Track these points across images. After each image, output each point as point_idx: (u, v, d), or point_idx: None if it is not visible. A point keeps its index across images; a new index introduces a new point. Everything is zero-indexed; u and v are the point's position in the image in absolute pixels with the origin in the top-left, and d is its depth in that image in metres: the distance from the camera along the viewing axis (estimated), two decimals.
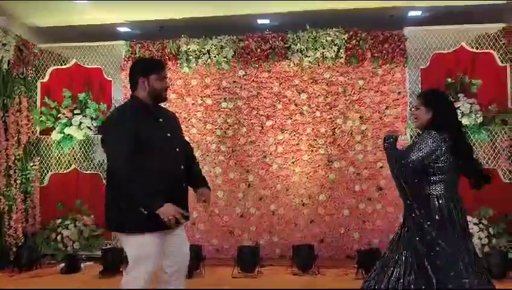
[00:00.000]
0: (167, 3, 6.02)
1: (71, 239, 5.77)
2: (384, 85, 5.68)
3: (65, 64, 6.27)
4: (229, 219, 5.83)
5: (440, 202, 3.17)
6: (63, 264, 5.39)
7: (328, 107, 5.76)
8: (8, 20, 5.98)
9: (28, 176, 5.98)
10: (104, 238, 5.91)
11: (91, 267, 5.50)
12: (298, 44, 5.72)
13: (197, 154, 5.81)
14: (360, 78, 5.72)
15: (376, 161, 5.66)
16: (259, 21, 6.77)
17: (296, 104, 5.80)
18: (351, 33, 5.69)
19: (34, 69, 6.18)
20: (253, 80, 5.86)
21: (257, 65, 5.83)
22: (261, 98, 5.85)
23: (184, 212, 2.84)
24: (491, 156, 5.54)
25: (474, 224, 5.29)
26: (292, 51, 5.75)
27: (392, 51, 5.65)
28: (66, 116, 5.95)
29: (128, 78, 3.09)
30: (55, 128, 5.99)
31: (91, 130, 5.96)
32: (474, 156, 3.38)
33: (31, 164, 6.03)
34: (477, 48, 5.67)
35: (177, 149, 3.01)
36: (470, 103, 5.39)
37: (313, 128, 5.77)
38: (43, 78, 6.23)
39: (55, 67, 6.26)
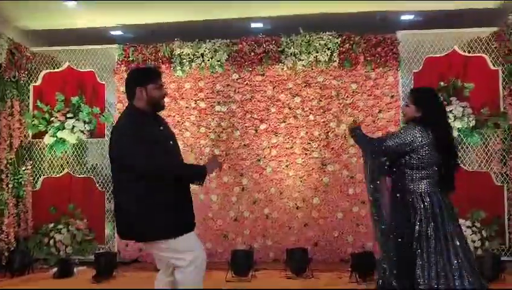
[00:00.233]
0: (160, 7, 6.02)
1: (64, 243, 5.74)
2: (377, 89, 5.70)
3: (58, 67, 6.24)
4: (223, 222, 5.82)
5: (424, 200, 3.20)
6: (55, 269, 5.35)
7: (321, 110, 5.77)
8: (0, 23, 5.95)
9: (20, 180, 5.94)
10: (97, 243, 5.89)
11: (84, 271, 5.46)
12: (292, 48, 5.73)
13: (191, 157, 5.81)
14: (353, 82, 5.74)
15: None
16: (253, 25, 6.78)
17: (289, 108, 5.81)
18: (344, 37, 5.72)
19: (26, 72, 6.14)
20: (246, 84, 5.87)
21: (251, 69, 5.84)
22: (254, 101, 5.85)
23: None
24: (484, 159, 5.57)
25: (467, 227, 5.33)
26: (286, 54, 5.77)
27: (385, 54, 5.68)
28: (59, 120, 5.92)
29: (125, 88, 3.08)
30: (47, 132, 5.96)
31: (84, 133, 5.93)
32: (457, 160, 3.45)
33: (23, 168, 5.99)
34: (469, 52, 5.71)
35: (179, 156, 3.13)
36: (463, 107, 5.43)
37: (307, 132, 5.78)
38: (35, 81, 6.20)
39: (48, 70, 6.22)
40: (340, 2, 5.87)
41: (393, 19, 6.49)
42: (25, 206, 5.98)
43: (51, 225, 5.88)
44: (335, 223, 5.69)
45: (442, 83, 5.59)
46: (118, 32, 7.05)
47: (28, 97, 6.16)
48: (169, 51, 5.90)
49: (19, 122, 5.97)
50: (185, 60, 5.87)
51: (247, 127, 5.85)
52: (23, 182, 5.96)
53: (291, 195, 5.78)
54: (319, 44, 5.69)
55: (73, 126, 5.88)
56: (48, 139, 5.95)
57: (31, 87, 6.18)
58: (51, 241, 5.76)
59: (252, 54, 5.79)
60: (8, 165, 5.79)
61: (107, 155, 5.83)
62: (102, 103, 6.09)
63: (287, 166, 5.79)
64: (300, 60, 5.74)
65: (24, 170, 5.98)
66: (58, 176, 6.10)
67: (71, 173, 6.08)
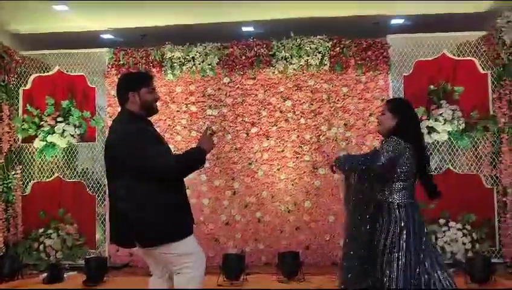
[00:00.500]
0: (151, 11, 6.01)
1: (54, 248, 5.70)
2: (368, 92, 5.73)
3: (48, 71, 6.21)
4: (214, 226, 5.80)
5: (400, 211, 3.24)
6: (45, 274, 5.30)
7: (312, 114, 5.79)
8: None
9: (9, 185, 5.89)
10: (88, 247, 5.85)
11: (74, 276, 5.42)
12: (283, 51, 5.74)
13: None
14: (344, 86, 5.76)
15: None
16: (244, 28, 6.79)
17: (281, 111, 5.82)
18: (334, 41, 5.74)
19: (16, 76, 6.10)
20: (238, 87, 5.87)
21: (242, 72, 5.84)
22: (246, 105, 5.86)
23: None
24: (474, 162, 5.61)
25: (458, 229, 5.36)
26: (277, 58, 5.78)
27: (376, 58, 5.71)
28: (49, 124, 5.88)
29: (116, 93, 3.04)
30: (37, 136, 5.91)
31: (74, 138, 5.90)
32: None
33: (13, 173, 5.94)
34: (458, 56, 5.75)
35: None
36: (452, 110, 5.47)
37: (298, 135, 5.79)
38: (25, 85, 6.15)
39: (38, 74, 6.19)
40: (330, 6, 5.90)
41: (384, 23, 6.53)
42: (15, 211, 5.93)
43: (41, 230, 5.83)
44: (326, 226, 5.70)
45: (432, 87, 5.63)
46: (109, 36, 7.04)
47: (18, 101, 6.11)
48: (160, 55, 5.89)
49: (9, 126, 5.93)
50: (175, 64, 5.86)
51: (239, 130, 5.85)
52: (12, 187, 5.91)
53: (282, 198, 5.78)
54: (310, 48, 5.71)
55: (64, 130, 5.84)
56: (37, 144, 5.91)
57: (20, 91, 6.13)
58: (41, 247, 5.71)
59: (243, 57, 5.79)
60: None
61: (98, 159, 5.82)
62: (92, 106, 6.06)
63: (278, 169, 5.79)
64: (291, 63, 5.75)
65: (14, 175, 5.93)
66: (48, 180, 6.05)
67: (61, 177, 6.04)
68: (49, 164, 6.04)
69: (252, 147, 5.83)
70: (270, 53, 5.78)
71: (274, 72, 5.81)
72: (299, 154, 5.78)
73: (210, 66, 5.83)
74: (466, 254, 5.28)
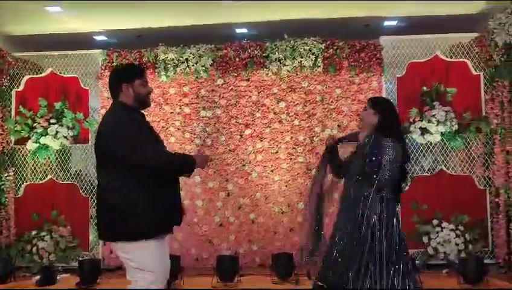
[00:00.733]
0: (145, 12, 6.00)
1: (47, 251, 5.67)
2: (361, 94, 5.74)
3: (41, 73, 6.19)
4: (208, 228, 5.80)
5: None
6: (38, 277, 5.27)
7: (306, 115, 5.80)
8: None
9: (2, 187, 5.85)
10: (81, 250, 5.83)
11: (67, 279, 5.39)
12: (276, 53, 5.75)
13: None
14: (337, 87, 5.77)
15: None
16: (238, 30, 6.79)
17: (274, 113, 5.83)
18: (328, 42, 5.76)
19: (8, 77, 6.07)
20: (231, 89, 5.87)
21: (235, 74, 5.84)
22: (239, 106, 5.86)
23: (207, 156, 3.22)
24: (467, 163, 5.64)
25: (451, 230, 5.38)
26: (270, 59, 5.78)
27: (369, 60, 5.73)
28: (42, 126, 5.85)
29: (109, 86, 2.97)
30: (30, 138, 5.88)
31: (67, 139, 5.88)
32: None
33: (6, 175, 5.90)
34: (451, 57, 5.78)
35: None
36: (445, 111, 5.49)
37: (292, 137, 5.79)
38: (18, 87, 6.13)
39: (31, 76, 6.17)
40: (324, 7, 5.91)
41: (377, 25, 6.55)
42: (7, 213, 5.89)
43: (34, 232, 5.80)
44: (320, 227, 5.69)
45: (425, 88, 5.66)
46: (102, 38, 7.01)
47: (10, 103, 6.08)
48: (153, 56, 5.89)
49: (1, 128, 5.91)
50: (169, 65, 5.85)
51: (232, 132, 5.85)
52: (5, 189, 5.88)
53: (276, 200, 5.78)
54: (304, 49, 5.72)
55: (57, 132, 5.82)
56: (30, 145, 5.88)
57: (13, 93, 6.11)
58: (34, 249, 5.68)
59: (237, 59, 5.80)
60: None
61: (91, 161, 5.78)
62: (86, 108, 6.04)
63: (272, 171, 5.79)
64: (285, 65, 5.76)
65: (6, 177, 5.90)
66: (41, 182, 6.02)
67: (54, 179, 6.02)
68: (42, 165, 6.01)
69: (245, 149, 5.83)
70: (263, 55, 5.79)
71: (268, 74, 5.82)
72: (293, 155, 5.78)
73: (204, 68, 5.83)
74: (459, 254, 5.30)
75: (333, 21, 6.31)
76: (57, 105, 5.95)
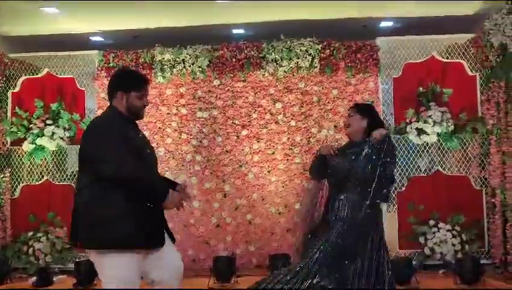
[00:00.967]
0: (141, 13, 6.00)
1: (43, 252, 5.65)
2: (358, 94, 5.75)
3: (37, 73, 6.17)
4: (205, 229, 5.79)
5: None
6: (35, 278, 5.26)
7: (303, 116, 5.80)
8: None
9: None
10: (77, 251, 5.80)
11: (64, 280, 5.39)
12: (273, 54, 5.75)
13: (172, 164, 5.79)
14: (334, 88, 5.78)
15: None
16: (234, 31, 6.80)
17: (271, 114, 5.83)
18: (324, 43, 5.76)
19: (4, 78, 6.06)
20: (228, 90, 5.87)
21: (232, 75, 5.84)
22: (236, 107, 5.86)
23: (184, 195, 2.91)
24: (463, 164, 5.65)
25: (447, 231, 5.39)
26: (267, 60, 5.78)
27: (365, 60, 5.73)
28: (38, 127, 5.83)
29: (107, 87, 2.94)
30: (26, 139, 5.87)
31: (64, 140, 5.86)
32: None
33: (2, 176, 5.89)
34: (447, 58, 5.79)
35: (155, 167, 2.96)
36: (442, 112, 5.50)
37: (289, 138, 5.79)
38: (14, 88, 6.11)
39: (27, 76, 6.15)
40: (320, 8, 5.92)
41: (373, 26, 6.56)
42: (3, 215, 5.88)
43: (30, 234, 5.79)
44: None
45: (421, 89, 5.67)
46: (98, 38, 7.01)
47: (7, 104, 6.07)
48: (150, 57, 5.88)
49: None
50: (166, 66, 5.85)
51: (229, 133, 5.85)
52: (1, 190, 5.87)
53: (273, 201, 5.78)
54: (300, 50, 5.72)
55: (53, 133, 5.80)
56: (26, 146, 5.86)
57: (9, 94, 6.09)
58: (30, 250, 5.67)
59: (234, 60, 5.80)
60: None
61: None
62: (82, 109, 6.03)
63: (269, 172, 5.79)
64: (282, 66, 5.76)
65: (2, 178, 5.89)
66: (37, 183, 6.01)
67: (51, 180, 6.00)
68: (39, 167, 6.00)
69: (242, 150, 5.83)
70: (260, 55, 5.79)
71: (264, 75, 5.82)
72: (290, 156, 5.78)
73: (200, 69, 5.83)
74: (455, 255, 5.31)
75: (330, 22, 6.32)
76: (53, 106, 5.94)
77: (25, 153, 5.93)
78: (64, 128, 5.86)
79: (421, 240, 5.43)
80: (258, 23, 6.45)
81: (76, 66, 6.11)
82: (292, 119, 5.80)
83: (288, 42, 5.75)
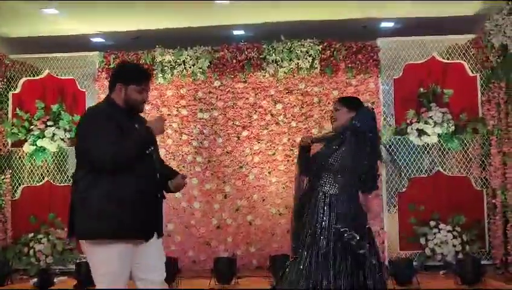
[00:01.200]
0: (142, 14, 6.00)
1: (44, 253, 5.66)
2: (358, 95, 5.71)
3: (38, 75, 6.18)
4: (206, 230, 5.79)
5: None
6: (36, 279, 5.26)
7: (303, 117, 5.80)
8: None
9: None
10: (78, 252, 5.79)
11: (65, 281, 5.39)
12: (273, 55, 5.76)
13: (173, 165, 5.77)
14: (334, 89, 5.78)
15: None
16: (235, 32, 6.79)
17: (272, 115, 5.83)
18: (325, 44, 5.76)
19: (5, 80, 6.07)
20: (228, 91, 5.87)
21: (233, 76, 5.84)
22: (236, 108, 5.86)
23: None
24: (463, 164, 5.65)
25: (448, 231, 5.39)
26: (267, 61, 5.78)
27: (366, 61, 5.73)
28: (39, 128, 5.84)
29: (108, 82, 2.93)
30: (27, 141, 5.88)
31: (64, 142, 5.87)
32: None
33: (3, 177, 5.89)
34: (448, 59, 5.79)
35: (153, 156, 2.87)
36: (442, 112, 5.50)
37: (289, 138, 5.79)
38: (14, 89, 6.12)
39: (28, 78, 6.16)
40: (321, 9, 5.91)
41: (374, 26, 6.56)
42: (4, 216, 5.88)
43: (31, 235, 5.80)
44: None
45: (422, 89, 5.67)
46: (99, 40, 7.00)
47: (7, 105, 6.08)
48: (150, 58, 5.88)
49: None
50: (166, 67, 5.85)
51: (230, 134, 5.85)
52: (2, 192, 5.87)
53: (274, 201, 5.78)
54: (301, 51, 5.72)
55: (54, 134, 5.81)
56: (27, 148, 5.87)
57: (10, 95, 6.10)
58: (31, 251, 5.67)
59: (234, 61, 5.80)
60: None
61: None
62: (83, 110, 6.01)
63: (269, 173, 5.79)
64: (282, 67, 5.76)
65: (3, 179, 5.89)
66: (38, 184, 6.01)
67: (51, 181, 6.01)
68: (39, 168, 6.01)
69: (243, 151, 5.83)
70: (260, 56, 5.79)
71: (265, 76, 5.82)
72: (290, 157, 5.78)
73: (201, 70, 5.83)
74: (456, 255, 5.31)
75: (330, 23, 6.31)
76: (54, 107, 5.95)
77: (26, 154, 5.94)
78: (65, 130, 5.87)
79: (422, 241, 5.43)
80: (258, 24, 6.44)
81: (77, 68, 6.12)
82: (293, 120, 5.80)
83: (289, 43, 5.76)
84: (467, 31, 5.82)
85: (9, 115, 6.06)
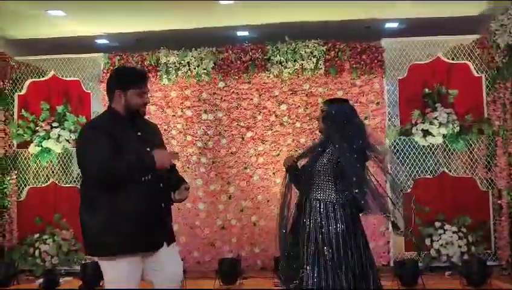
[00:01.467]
0: (146, 15, 6.02)
1: (49, 254, 5.68)
2: (363, 96, 5.74)
3: (43, 76, 6.20)
4: (210, 231, 5.79)
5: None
6: (41, 280, 5.28)
7: (308, 118, 5.79)
8: None
9: (4, 191, 5.87)
10: (83, 253, 5.82)
11: (70, 282, 5.41)
12: (277, 55, 5.75)
13: (178, 166, 5.77)
14: (339, 89, 5.77)
15: None
16: (239, 33, 6.80)
17: (276, 115, 5.83)
18: (329, 45, 5.75)
19: (11, 81, 6.10)
20: (233, 92, 5.87)
21: (237, 77, 5.85)
22: (241, 109, 5.86)
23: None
24: (469, 165, 5.62)
25: (453, 232, 5.37)
26: (272, 62, 5.78)
27: (370, 62, 5.72)
28: (44, 129, 5.87)
29: (106, 85, 2.87)
30: (32, 142, 5.90)
31: (69, 143, 5.89)
32: None
33: (8, 178, 5.92)
34: (453, 59, 5.77)
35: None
36: (447, 113, 5.48)
37: (293, 139, 5.79)
38: (20, 90, 6.15)
39: (33, 79, 6.18)
40: (325, 10, 5.91)
41: (378, 27, 6.55)
42: (10, 217, 5.91)
43: (36, 236, 5.82)
44: None
45: (426, 90, 5.65)
46: (104, 41, 7.03)
47: (13, 106, 6.11)
48: (155, 60, 5.90)
49: (4, 131, 5.93)
50: (171, 69, 5.86)
51: (234, 135, 5.85)
52: (7, 193, 5.90)
53: (278, 202, 5.74)
54: (305, 52, 5.72)
55: (59, 135, 5.84)
56: (33, 149, 5.90)
57: (15, 97, 6.13)
58: (37, 252, 5.70)
59: (238, 62, 5.80)
60: None
61: None
62: (88, 111, 6.05)
63: (274, 173, 5.79)
64: (286, 67, 5.76)
65: (9, 180, 5.92)
66: (43, 185, 6.03)
67: (57, 182, 6.03)
68: (45, 169, 6.03)
69: (247, 151, 5.83)
70: (265, 57, 5.79)
71: (269, 76, 5.82)
72: None
73: (205, 71, 5.84)
74: (462, 256, 5.29)
75: (334, 23, 6.31)
76: (59, 108, 5.97)
77: (31, 155, 5.96)
78: (70, 131, 5.89)
79: (427, 241, 5.41)
80: (263, 25, 6.44)
81: (82, 69, 6.14)
82: (297, 120, 5.80)
83: (293, 44, 5.75)
84: (472, 31, 5.79)
85: (15, 116, 6.08)
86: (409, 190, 5.63)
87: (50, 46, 6.55)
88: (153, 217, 2.72)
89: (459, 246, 5.32)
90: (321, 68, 5.75)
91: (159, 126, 5.87)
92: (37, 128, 5.92)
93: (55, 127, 5.86)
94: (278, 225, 3.44)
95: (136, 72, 2.94)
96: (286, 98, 5.82)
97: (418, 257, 5.36)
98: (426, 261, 5.40)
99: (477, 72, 5.69)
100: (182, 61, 5.85)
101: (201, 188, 5.81)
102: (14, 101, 6.12)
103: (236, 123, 5.86)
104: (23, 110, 6.02)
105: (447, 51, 5.81)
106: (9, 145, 6.00)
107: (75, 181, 6.04)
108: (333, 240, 3.09)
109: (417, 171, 5.66)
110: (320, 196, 3.20)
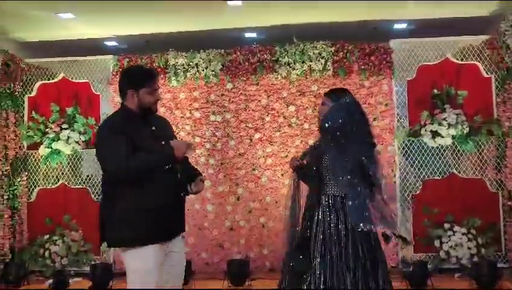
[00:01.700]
0: (155, 18, 6.05)
1: (59, 255, 5.71)
2: (372, 97, 5.72)
3: (53, 78, 6.24)
4: (219, 232, 5.80)
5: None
6: (51, 281, 5.33)
7: (316, 119, 5.76)
8: None
9: (15, 192, 5.92)
10: (93, 254, 5.86)
11: (80, 283, 5.44)
12: (285, 57, 5.75)
13: None
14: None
15: None
16: (247, 34, 6.82)
17: (284, 117, 5.82)
18: (337, 46, 5.74)
19: (21, 83, 6.15)
20: (241, 93, 5.88)
21: (245, 78, 5.85)
22: (249, 110, 5.87)
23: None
24: (478, 166, 5.58)
25: (463, 234, 5.33)
26: (280, 63, 5.78)
27: (379, 63, 5.69)
28: (54, 131, 5.91)
29: (118, 91, 2.99)
30: (42, 143, 5.95)
31: (79, 144, 5.93)
32: None
33: (19, 179, 5.97)
34: (462, 60, 5.74)
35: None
36: (456, 114, 5.45)
37: (302, 141, 5.78)
38: (30, 92, 6.20)
39: (43, 81, 6.23)
40: (333, 11, 5.91)
41: (387, 28, 6.53)
42: (20, 218, 5.96)
43: (46, 237, 5.85)
44: None
45: (435, 91, 5.62)
46: (113, 43, 7.08)
47: (23, 108, 6.16)
48: (164, 62, 5.92)
49: (14, 133, 5.97)
50: (179, 70, 5.88)
51: (242, 136, 5.86)
52: (18, 194, 5.95)
53: (286, 204, 5.75)
54: (313, 53, 5.71)
55: (69, 137, 5.87)
56: (43, 150, 5.94)
57: (26, 99, 6.18)
58: (46, 253, 5.73)
59: (246, 63, 5.81)
60: (3, 177, 5.79)
61: None
62: (97, 113, 6.08)
63: (282, 175, 5.78)
64: (295, 69, 5.76)
65: (19, 182, 5.97)
66: (53, 187, 6.07)
67: (66, 184, 6.06)
68: (54, 170, 6.06)
69: (255, 153, 5.84)
70: (273, 59, 5.79)
71: (277, 78, 5.82)
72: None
73: (213, 72, 5.85)
74: (471, 258, 5.25)
75: (343, 24, 6.31)
76: (69, 110, 6.01)
77: (41, 157, 6.01)
78: (80, 133, 5.93)
79: (437, 243, 5.38)
80: (271, 27, 6.46)
81: (91, 71, 6.18)
82: (305, 122, 5.79)
83: (301, 45, 5.75)
84: (482, 32, 5.76)
85: (25, 118, 6.14)
86: (418, 192, 5.60)
87: (60, 48, 6.61)
88: (172, 208, 2.87)
89: (469, 248, 5.28)
90: (329, 69, 5.74)
91: None
92: (47, 130, 5.96)
93: (65, 129, 5.90)
94: (286, 218, 3.41)
95: (145, 71, 3.05)
96: (294, 99, 5.82)
97: (427, 258, 5.34)
98: (435, 263, 5.38)
99: (487, 73, 5.65)
100: (191, 63, 5.87)
101: (210, 190, 5.82)
102: (24, 103, 6.17)
103: (244, 124, 5.87)
104: (33, 112, 6.06)
105: (456, 52, 5.77)
106: (19, 146, 6.06)
107: (84, 182, 6.08)
108: (343, 236, 3.07)
109: (426, 173, 5.63)
110: (330, 191, 3.18)
